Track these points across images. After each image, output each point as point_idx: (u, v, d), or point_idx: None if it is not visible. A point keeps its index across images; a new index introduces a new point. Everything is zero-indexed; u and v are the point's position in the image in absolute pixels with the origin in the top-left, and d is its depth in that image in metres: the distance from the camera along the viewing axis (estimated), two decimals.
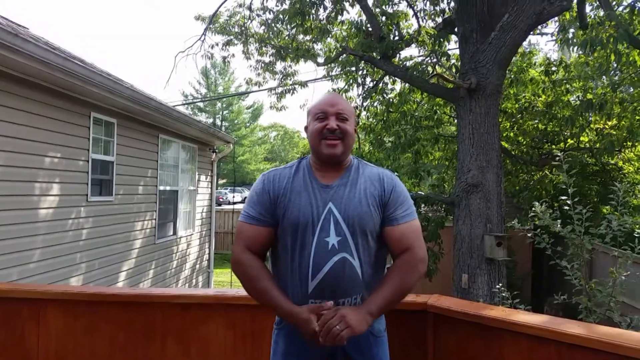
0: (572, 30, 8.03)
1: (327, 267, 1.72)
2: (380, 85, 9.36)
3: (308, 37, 9.13)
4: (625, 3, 7.96)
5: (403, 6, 8.90)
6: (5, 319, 2.61)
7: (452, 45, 8.95)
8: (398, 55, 8.34)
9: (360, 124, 9.50)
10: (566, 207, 3.69)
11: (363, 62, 8.57)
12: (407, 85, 8.82)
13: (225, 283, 13.17)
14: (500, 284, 4.62)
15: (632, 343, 1.69)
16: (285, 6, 8.54)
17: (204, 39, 9.27)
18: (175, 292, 3.01)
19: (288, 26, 8.90)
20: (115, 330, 2.55)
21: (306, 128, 1.93)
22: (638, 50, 7.04)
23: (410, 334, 2.30)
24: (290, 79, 10.12)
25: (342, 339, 1.62)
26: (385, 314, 1.93)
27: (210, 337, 2.50)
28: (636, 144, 8.98)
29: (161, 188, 8.33)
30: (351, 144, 1.89)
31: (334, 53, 9.35)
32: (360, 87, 9.60)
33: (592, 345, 1.74)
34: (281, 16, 8.65)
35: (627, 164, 9.90)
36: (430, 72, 8.25)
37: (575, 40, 7.90)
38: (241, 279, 1.82)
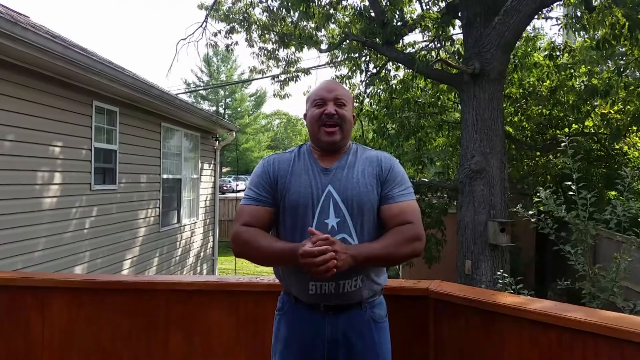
0: (577, 12, 7.92)
1: None
2: (383, 72, 9.29)
3: (311, 24, 9.05)
4: None
5: None
6: (10, 307, 2.62)
7: (456, 30, 8.86)
8: (401, 40, 8.26)
9: (364, 110, 9.46)
10: (570, 193, 3.67)
11: (366, 48, 8.50)
12: (410, 71, 8.75)
13: (230, 270, 13.25)
14: (503, 270, 4.62)
15: (633, 327, 1.68)
16: None
17: (206, 25, 9.21)
18: (177, 279, 3.03)
19: (291, 12, 8.82)
20: (118, 318, 2.57)
21: (305, 115, 1.95)
22: None
23: (411, 319, 2.30)
24: (294, 67, 10.07)
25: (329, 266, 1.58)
26: (386, 299, 1.93)
27: (213, 323, 2.51)
28: None
29: (164, 176, 8.34)
30: (350, 130, 1.91)
31: (337, 39, 9.27)
32: (364, 74, 9.54)
33: (592, 329, 1.73)
34: (284, 3, 8.58)
35: (632, 148, 9.84)
36: (434, 57, 8.18)
37: (586, 25, 7.78)
38: (241, 246, 1.80)
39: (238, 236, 1.80)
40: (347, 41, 8.67)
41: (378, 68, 9.40)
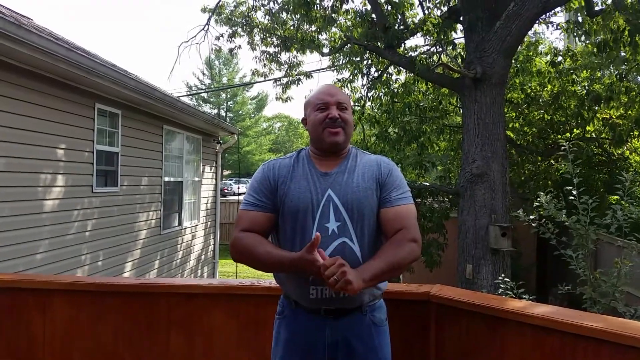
0: (579, 18, 7.94)
1: (328, 252, 1.72)
2: (385, 76, 9.30)
3: (313, 28, 9.07)
4: None
5: None
6: (12, 308, 2.63)
7: (458, 35, 8.89)
8: (403, 44, 8.28)
9: (365, 114, 9.47)
10: (571, 197, 3.68)
11: (368, 52, 8.51)
12: (412, 74, 8.76)
13: (231, 274, 13.23)
14: (504, 274, 4.62)
15: (636, 333, 1.68)
16: None
17: (208, 28, 9.23)
18: (179, 282, 3.03)
19: (293, 15, 8.84)
20: (120, 320, 2.57)
21: (304, 120, 1.96)
22: None
23: (412, 323, 2.30)
24: (296, 70, 10.08)
25: (341, 287, 1.55)
26: (388, 303, 1.94)
27: (215, 327, 2.51)
28: None
29: (166, 179, 8.35)
30: (351, 133, 1.93)
31: (339, 43, 9.29)
32: (365, 77, 9.55)
33: (595, 335, 1.73)
34: (286, 6, 8.60)
35: (633, 153, 9.83)
36: (436, 61, 8.19)
37: (586, 30, 7.80)
38: (240, 253, 1.79)
39: (237, 242, 1.80)
40: (349, 45, 8.69)
41: (380, 72, 9.41)
